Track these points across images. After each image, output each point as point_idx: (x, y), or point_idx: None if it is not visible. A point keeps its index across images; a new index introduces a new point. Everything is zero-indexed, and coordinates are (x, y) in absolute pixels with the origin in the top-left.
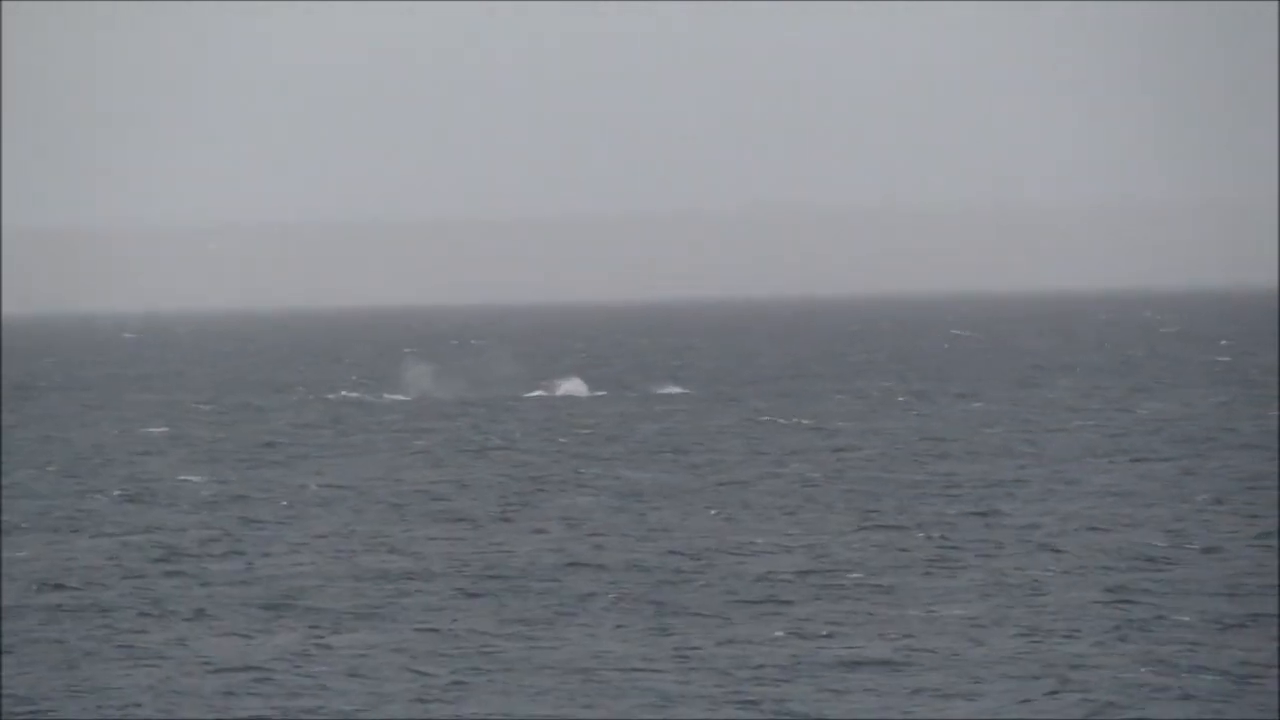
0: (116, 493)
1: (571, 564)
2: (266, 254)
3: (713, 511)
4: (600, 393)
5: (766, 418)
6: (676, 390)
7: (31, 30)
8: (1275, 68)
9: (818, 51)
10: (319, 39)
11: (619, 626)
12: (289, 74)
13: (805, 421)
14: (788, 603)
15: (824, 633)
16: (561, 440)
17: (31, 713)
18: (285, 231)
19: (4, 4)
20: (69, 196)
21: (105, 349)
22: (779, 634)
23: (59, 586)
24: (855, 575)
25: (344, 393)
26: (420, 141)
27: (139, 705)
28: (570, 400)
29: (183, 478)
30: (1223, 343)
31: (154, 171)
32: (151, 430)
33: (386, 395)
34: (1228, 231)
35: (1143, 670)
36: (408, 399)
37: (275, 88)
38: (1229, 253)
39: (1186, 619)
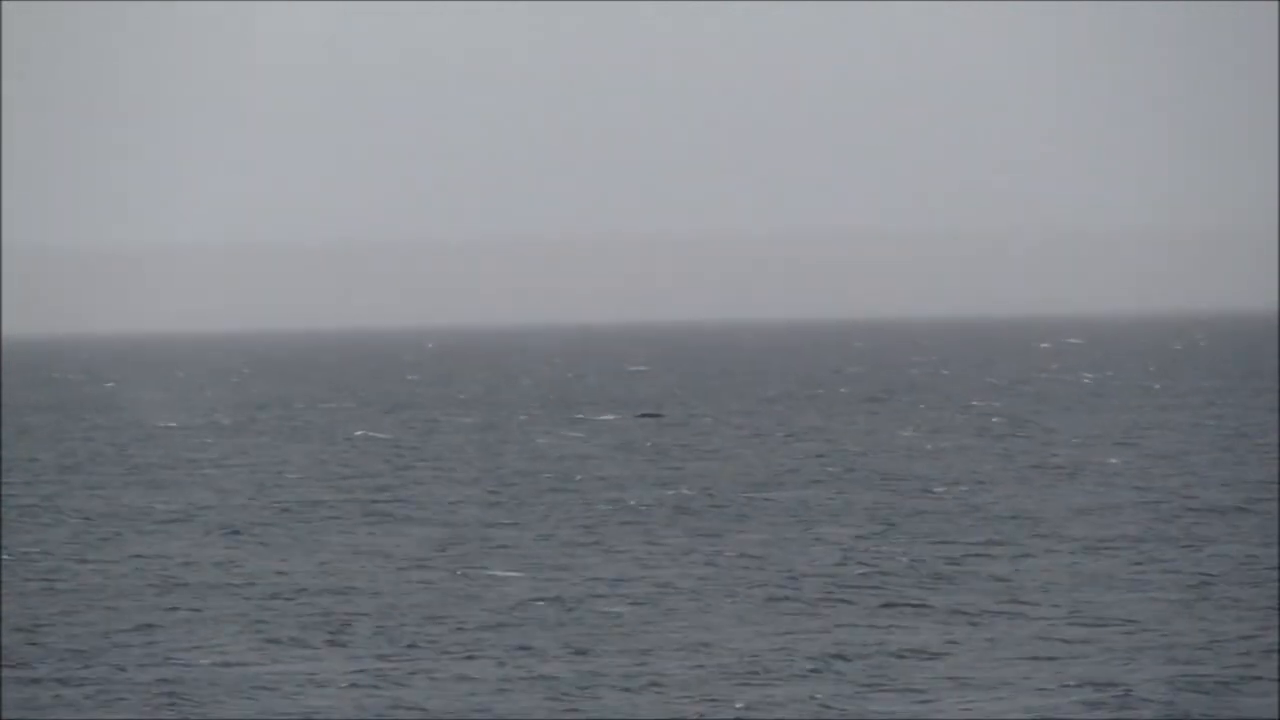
0: None
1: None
2: (258, 275)
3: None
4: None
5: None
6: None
7: (35, 38)
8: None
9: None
10: (310, 51)
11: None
12: (276, 87)
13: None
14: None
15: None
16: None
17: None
18: (279, 252)
19: (3, 10)
20: (68, 216)
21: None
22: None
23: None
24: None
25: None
26: (420, 162)
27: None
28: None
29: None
30: (1151, 368)
31: (150, 192)
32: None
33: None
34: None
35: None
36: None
37: (265, 104)
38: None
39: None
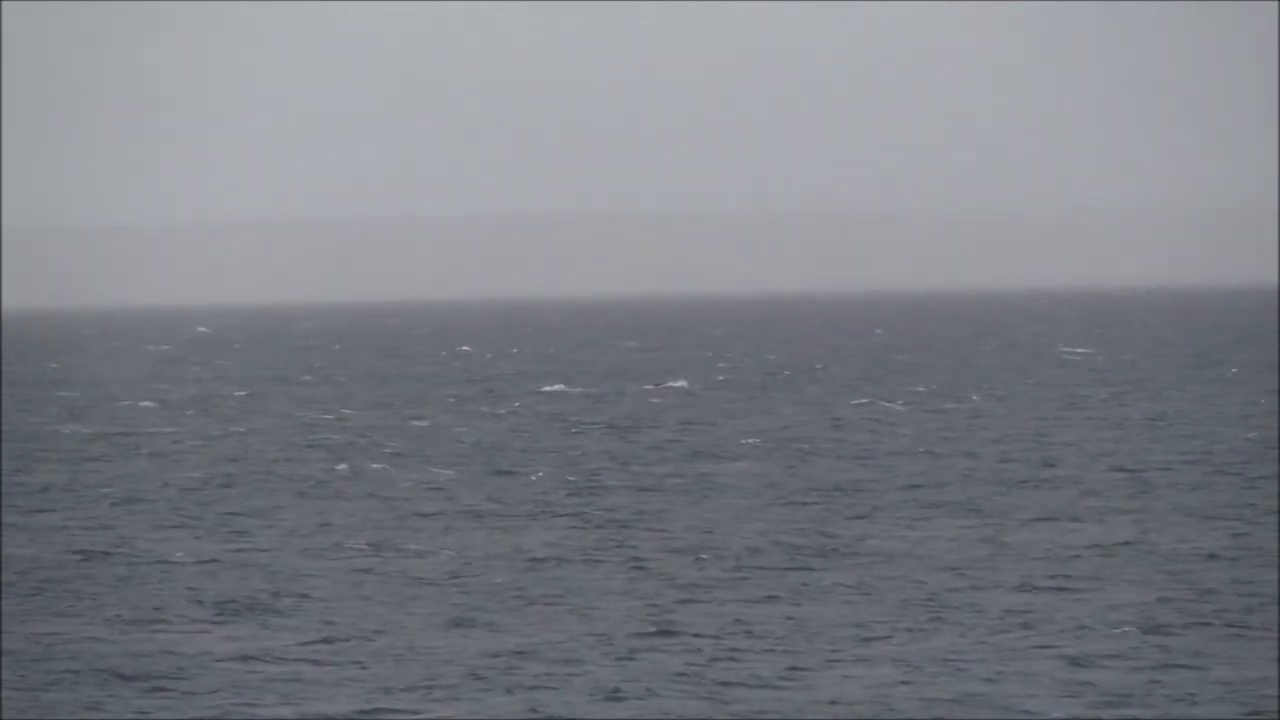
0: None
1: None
2: (281, 251)
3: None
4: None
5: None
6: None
7: (58, 27)
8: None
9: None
10: (331, 38)
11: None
12: (300, 73)
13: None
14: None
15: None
16: None
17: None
18: (300, 229)
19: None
20: (81, 195)
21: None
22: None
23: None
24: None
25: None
26: (433, 140)
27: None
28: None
29: None
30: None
31: (174, 169)
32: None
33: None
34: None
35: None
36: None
37: (285, 86)
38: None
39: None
